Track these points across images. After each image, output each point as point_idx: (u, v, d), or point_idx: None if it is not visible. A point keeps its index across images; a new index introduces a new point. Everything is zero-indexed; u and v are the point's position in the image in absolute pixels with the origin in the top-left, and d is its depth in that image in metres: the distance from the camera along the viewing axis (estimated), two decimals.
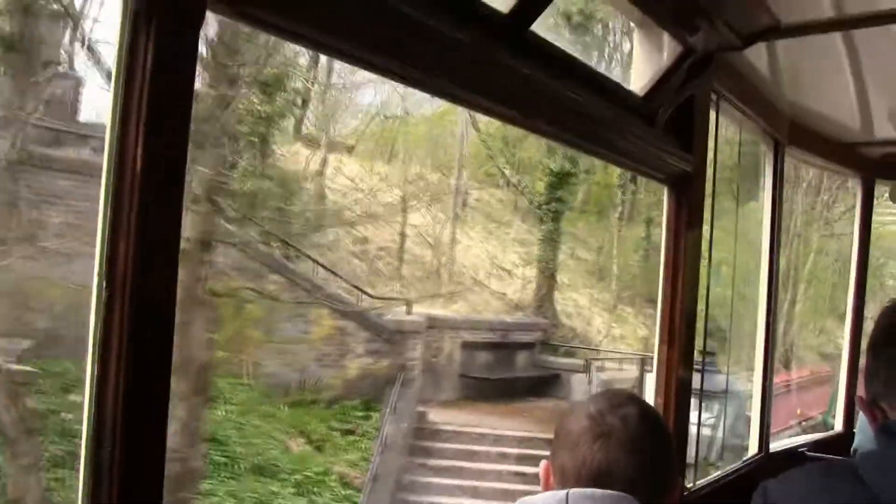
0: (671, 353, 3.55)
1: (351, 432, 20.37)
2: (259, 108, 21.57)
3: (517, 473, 19.27)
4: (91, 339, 1.49)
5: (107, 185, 1.49)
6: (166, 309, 1.56)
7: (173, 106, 1.55)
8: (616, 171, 35.77)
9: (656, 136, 3.31)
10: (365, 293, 23.97)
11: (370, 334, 22.26)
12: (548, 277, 34.83)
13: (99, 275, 1.49)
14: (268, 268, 20.09)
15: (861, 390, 1.82)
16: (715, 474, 4.25)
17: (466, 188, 37.66)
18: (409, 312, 24.62)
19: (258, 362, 19.58)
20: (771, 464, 4.65)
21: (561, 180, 34.15)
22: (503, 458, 20.59)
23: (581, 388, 25.83)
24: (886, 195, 5.96)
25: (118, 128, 1.49)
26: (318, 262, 23.67)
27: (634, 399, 2.04)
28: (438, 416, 22.49)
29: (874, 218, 5.98)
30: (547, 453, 2.05)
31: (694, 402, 3.90)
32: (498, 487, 19.21)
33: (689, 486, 3.79)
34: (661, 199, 3.66)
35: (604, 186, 37.86)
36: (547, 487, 2.02)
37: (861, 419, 4.72)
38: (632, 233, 38.27)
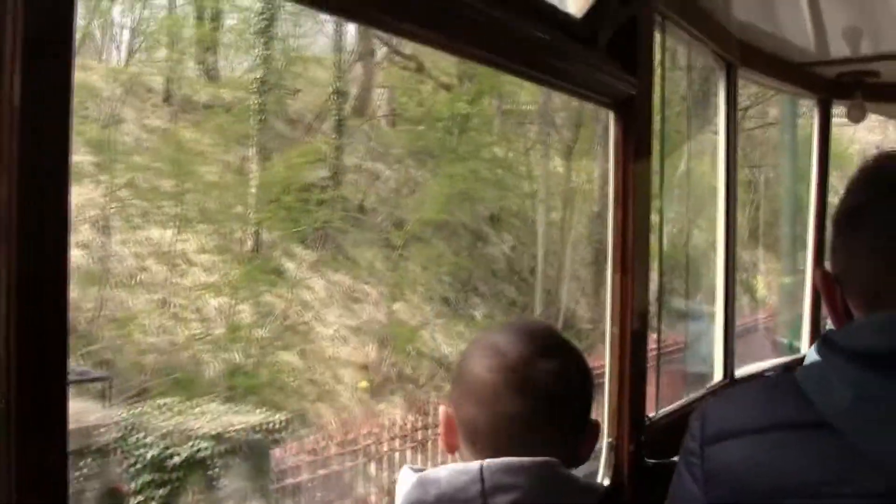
0: (625, 281, 3.49)
1: None
2: None
3: None
4: None
5: None
6: (58, 241, 1.47)
7: (53, 31, 1.45)
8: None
9: (598, 59, 3.23)
10: None
11: None
12: None
13: None
14: None
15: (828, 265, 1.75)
16: (678, 402, 4.22)
17: None
18: None
19: None
20: None
21: None
22: None
23: None
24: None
25: None
26: None
27: (555, 342, 1.89)
28: None
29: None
30: None
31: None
32: None
33: (650, 414, 3.76)
34: None
35: None
36: (450, 441, 1.88)
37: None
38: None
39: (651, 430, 3.67)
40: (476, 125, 26.68)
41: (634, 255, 3.51)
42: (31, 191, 1.41)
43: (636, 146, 3.51)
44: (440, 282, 23.39)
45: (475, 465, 1.73)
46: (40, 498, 1.44)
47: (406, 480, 1.78)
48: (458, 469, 1.75)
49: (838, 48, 5.15)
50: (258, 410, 15.50)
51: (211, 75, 26.22)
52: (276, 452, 14.19)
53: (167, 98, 24.47)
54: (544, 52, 2.94)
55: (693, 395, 4.47)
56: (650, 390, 3.85)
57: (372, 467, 13.15)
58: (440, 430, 1.90)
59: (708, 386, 4.69)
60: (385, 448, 13.00)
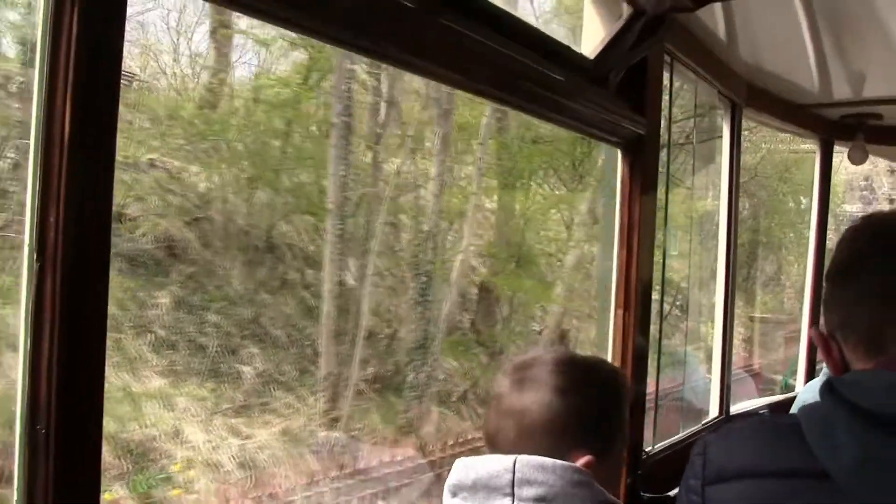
0: (627, 318, 3.55)
1: None
2: None
3: None
4: (23, 310, 1.47)
5: (34, 153, 1.47)
6: (100, 279, 1.55)
7: (102, 71, 1.52)
8: None
9: (608, 99, 3.30)
10: None
11: None
12: None
13: (29, 245, 1.47)
14: None
15: (820, 324, 1.75)
16: (675, 437, 4.27)
17: None
18: None
19: None
20: None
21: None
22: None
23: None
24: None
25: (45, 92, 1.47)
26: None
27: (552, 360, 2.05)
28: None
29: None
30: None
31: None
32: None
33: (647, 449, 3.81)
34: None
35: None
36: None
37: (810, 384, 4.77)
38: None
39: (647, 465, 3.71)
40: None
41: (636, 292, 3.57)
42: (76, 224, 1.49)
43: (642, 185, 3.58)
44: (201, 322, 15.29)
45: (511, 457, 1.90)
46: None
47: (455, 465, 1.97)
48: (495, 458, 1.93)
49: (842, 90, 5.21)
50: None
51: None
52: None
53: None
54: (558, 92, 3.00)
55: (690, 430, 4.51)
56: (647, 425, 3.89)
57: None
58: None
59: (704, 422, 4.73)
60: None
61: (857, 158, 5.75)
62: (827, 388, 1.59)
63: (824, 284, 1.74)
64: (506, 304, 20.19)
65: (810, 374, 5.69)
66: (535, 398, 1.98)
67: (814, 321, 5.77)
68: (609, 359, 3.57)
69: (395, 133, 19.49)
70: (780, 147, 25.39)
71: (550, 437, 1.96)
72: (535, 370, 2.02)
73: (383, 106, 19.05)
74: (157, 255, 15.36)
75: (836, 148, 5.97)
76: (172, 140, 16.87)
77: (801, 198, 27.38)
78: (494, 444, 2.00)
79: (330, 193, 16.97)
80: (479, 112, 19.46)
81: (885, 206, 25.56)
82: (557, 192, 22.24)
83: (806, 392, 4.64)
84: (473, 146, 19.88)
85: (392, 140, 19.31)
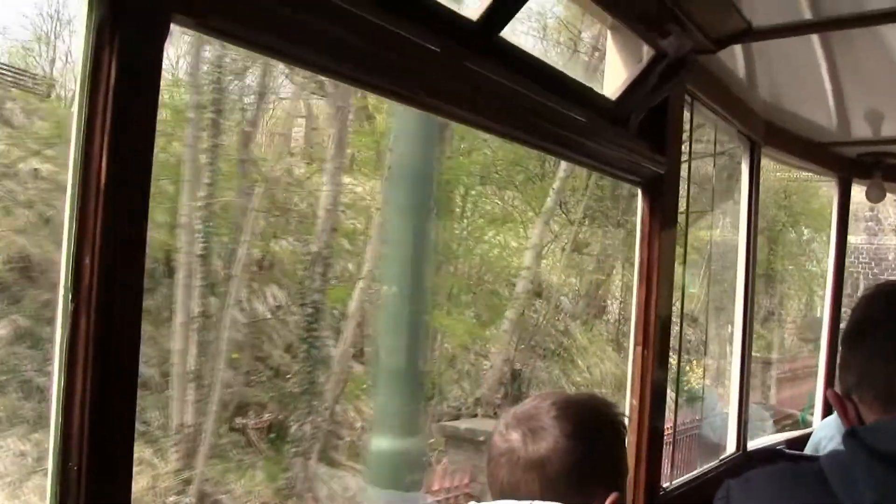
0: (646, 354, 3.57)
1: None
2: None
3: None
4: (57, 349, 1.51)
5: (72, 197, 1.50)
6: (133, 320, 1.58)
7: (138, 118, 1.56)
8: None
9: (629, 140, 3.33)
10: None
11: None
12: None
13: (65, 286, 1.50)
14: None
15: (836, 385, 1.81)
16: (692, 473, 4.27)
17: None
18: None
19: None
20: (749, 463, 4.67)
21: None
22: None
23: None
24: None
25: (83, 139, 1.50)
26: None
27: (554, 407, 2.04)
28: None
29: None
30: None
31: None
32: None
33: (665, 485, 3.81)
34: None
35: None
36: None
37: (825, 420, 4.77)
38: None
39: (664, 501, 3.72)
40: None
41: (655, 329, 3.59)
42: (110, 267, 1.52)
43: (661, 223, 3.60)
44: (46, 358, 11.62)
45: (527, 503, 1.89)
46: None
47: None
48: None
49: (859, 129, 5.24)
50: None
51: None
52: None
53: None
54: (579, 133, 3.04)
55: (706, 467, 4.50)
56: (665, 462, 3.90)
57: None
58: None
59: (721, 458, 4.72)
60: None
61: (874, 197, 5.77)
62: (849, 434, 1.66)
63: (840, 347, 1.81)
64: (434, 341, 16.40)
65: (827, 407, 5.68)
66: (552, 447, 1.96)
67: (832, 350, 5.78)
68: (628, 396, 3.60)
69: (275, 132, 17.18)
70: (778, 175, 22.70)
71: (572, 482, 1.95)
72: (541, 419, 2.01)
73: (255, 98, 16.23)
74: (7, 277, 12.80)
75: None
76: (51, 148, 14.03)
77: (803, 228, 26.16)
78: (512, 497, 1.96)
79: (183, 203, 13.77)
80: (388, 113, 15.96)
81: (892, 237, 25.11)
82: (514, 211, 18.97)
83: (822, 429, 4.64)
84: (384, 153, 16.28)
85: (270, 139, 16.94)
